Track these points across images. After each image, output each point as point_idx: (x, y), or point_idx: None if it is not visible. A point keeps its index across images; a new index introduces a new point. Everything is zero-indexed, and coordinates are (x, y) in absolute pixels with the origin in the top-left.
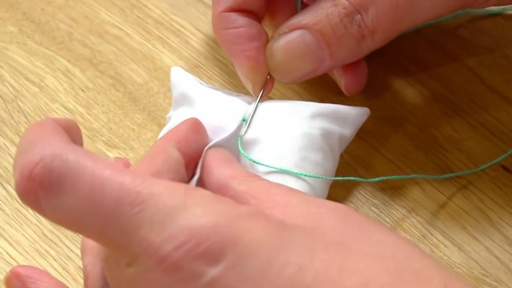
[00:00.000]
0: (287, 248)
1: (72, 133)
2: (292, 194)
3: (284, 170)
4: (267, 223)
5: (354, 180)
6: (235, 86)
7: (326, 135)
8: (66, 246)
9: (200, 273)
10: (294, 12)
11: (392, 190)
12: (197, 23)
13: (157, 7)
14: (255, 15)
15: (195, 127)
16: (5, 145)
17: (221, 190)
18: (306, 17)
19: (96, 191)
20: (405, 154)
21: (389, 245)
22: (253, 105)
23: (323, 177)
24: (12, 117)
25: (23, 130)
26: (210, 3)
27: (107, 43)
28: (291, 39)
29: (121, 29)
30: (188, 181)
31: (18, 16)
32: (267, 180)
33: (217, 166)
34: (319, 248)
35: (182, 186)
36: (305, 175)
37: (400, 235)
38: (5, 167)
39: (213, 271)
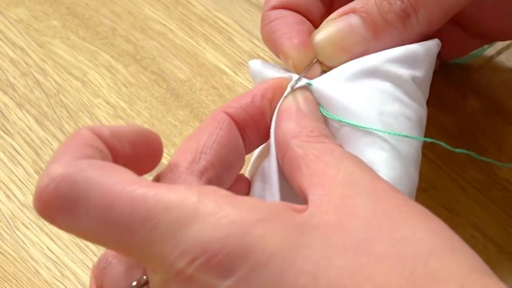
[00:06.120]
0: (302, 255)
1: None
2: (340, 167)
3: (368, 128)
4: (282, 229)
5: None
6: None
7: (397, 83)
8: None
9: (213, 286)
10: None
11: (432, 190)
12: (241, 20)
13: (201, 4)
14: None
15: (274, 85)
16: (47, 139)
17: (283, 149)
18: (355, 2)
19: (107, 210)
20: (446, 153)
21: (412, 243)
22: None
23: (402, 134)
24: (55, 112)
25: (65, 124)
26: (254, 0)
27: (150, 39)
28: (337, 22)
29: (164, 25)
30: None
31: (61, 11)
32: (328, 142)
33: (286, 118)
34: (336, 252)
35: (195, 193)
36: (389, 133)
37: (433, 225)
38: (47, 162)
39: (225, 284)
